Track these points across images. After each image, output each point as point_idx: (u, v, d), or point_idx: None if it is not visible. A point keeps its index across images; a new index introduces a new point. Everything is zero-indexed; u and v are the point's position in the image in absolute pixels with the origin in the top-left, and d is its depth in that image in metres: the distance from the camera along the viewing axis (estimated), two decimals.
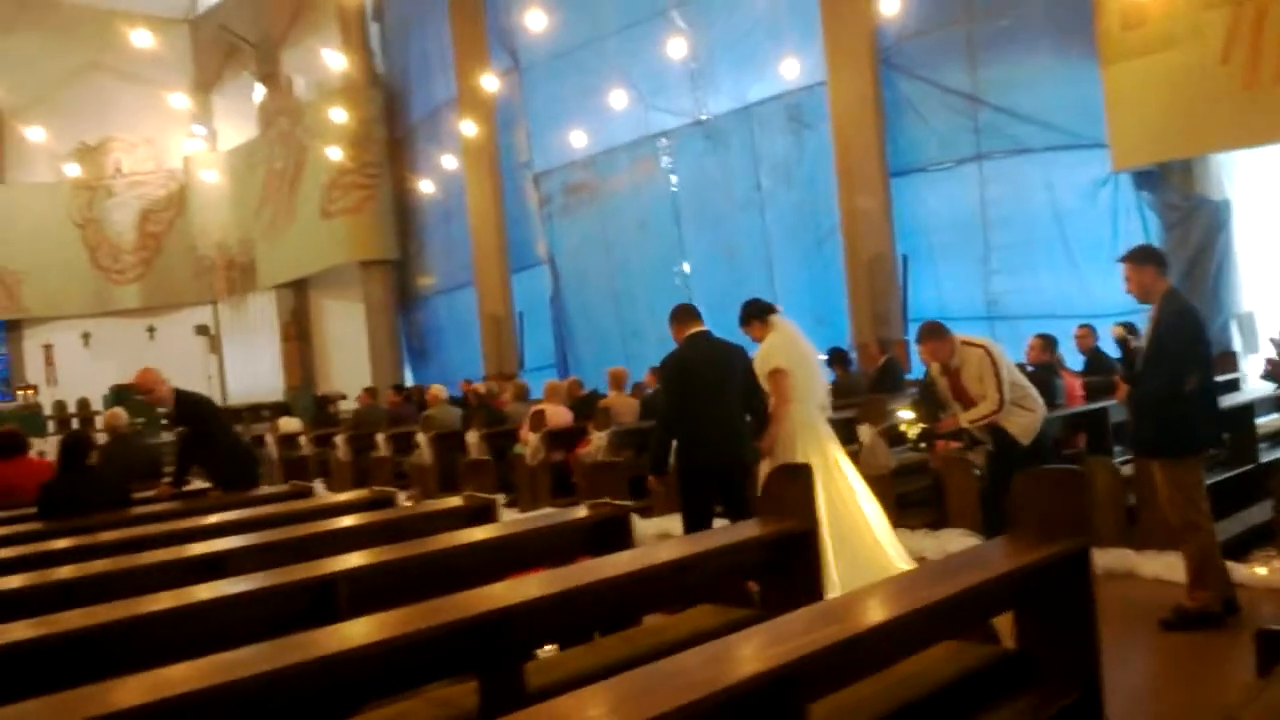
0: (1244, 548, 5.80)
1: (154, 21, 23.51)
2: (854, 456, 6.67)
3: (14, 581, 4.00)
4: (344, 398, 20.29)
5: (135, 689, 2.40)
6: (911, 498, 7.81)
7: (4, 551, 4.90)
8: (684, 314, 6.09)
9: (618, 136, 16.90)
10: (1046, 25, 11.51)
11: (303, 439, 13.23)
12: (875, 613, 2.66)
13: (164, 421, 13.93)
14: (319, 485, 10.73)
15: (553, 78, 17.51)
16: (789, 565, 3.85)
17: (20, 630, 3.16)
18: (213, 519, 5.55)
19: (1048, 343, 8.05)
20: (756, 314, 6.19)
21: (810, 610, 2.75)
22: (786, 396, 5.85)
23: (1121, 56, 10.20)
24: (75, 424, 20.02)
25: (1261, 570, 5.44)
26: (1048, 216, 11.77)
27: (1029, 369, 7.83)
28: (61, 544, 5.02)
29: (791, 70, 14.03)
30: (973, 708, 3.04)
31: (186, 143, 25.25)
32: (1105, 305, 10.91)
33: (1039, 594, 3.22)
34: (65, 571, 4.26)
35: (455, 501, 5.46)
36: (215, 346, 25.08)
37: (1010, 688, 3.17)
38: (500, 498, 5.57)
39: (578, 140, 17.21)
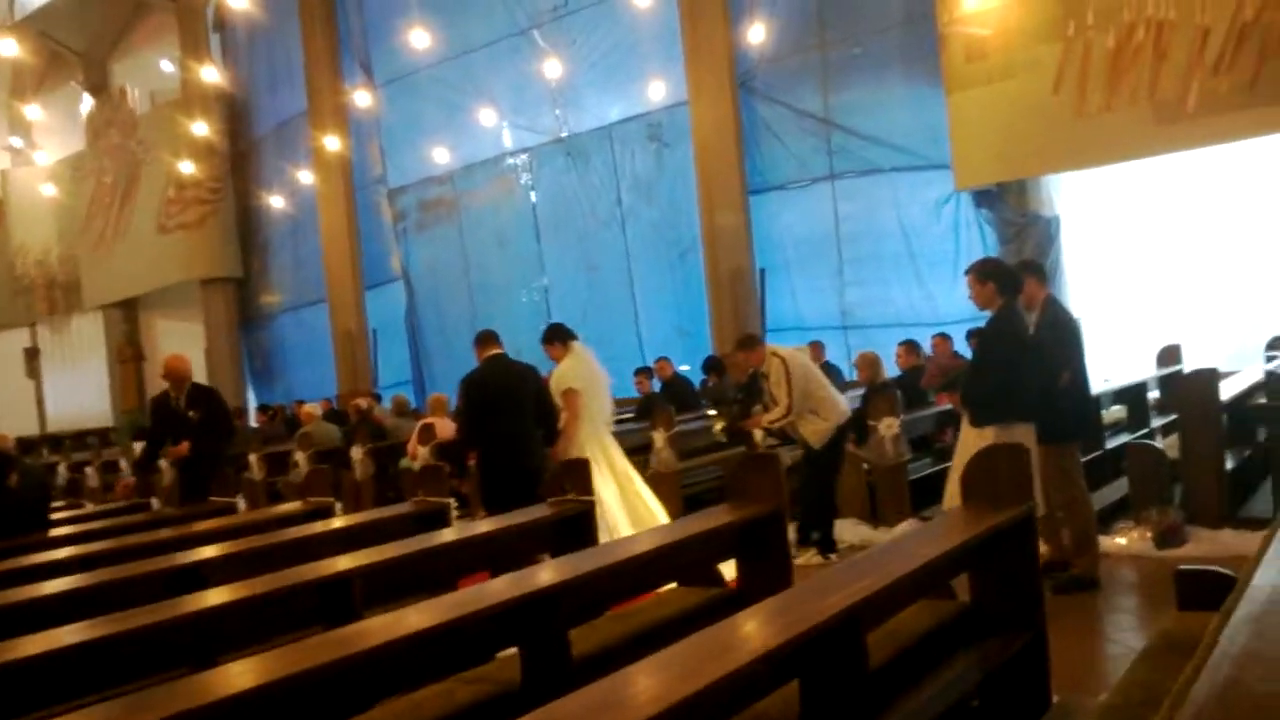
0: (1104, 521, 6.49)
1: None
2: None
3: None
4: None
5: (207, 686, 2.49)
6: (706, 497, 8.64)
7: None
8: (485, 339, 6.76)
9: (476, 153, 17.02)
10: (894, 55, 12.36)
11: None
12: (874, 580, 2.94)
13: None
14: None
15: (408, 93, 17.46)
16: (761, 546, 4.19)
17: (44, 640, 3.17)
18: (165, 533, 5.50)
19: (912, 348, 8.70)
20: (559, 337, 6.91)
21: (818, 579, 3.10)
22: (577, 413, 6.65)
23: (964, 85, 11.09)
24: None
25: (1121, 540, 6.13)
26: (896, 232, 12.60)
27: (898, 374, 8.50)
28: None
29: (652, 91, 14.52)
30: (947, 653, 3.46)
31: (1, 155, 23.81)
32: (950, 314, 11.83)
33: (991, 555, 3.65)
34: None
35: (405, 508, 5.61)
36: (34, 370, 23.67)
37: (971, 636, 3.60)
38: (452, 502, 5.76)
39: (434, 156, 17.23)
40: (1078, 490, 5.54)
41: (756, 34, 13.00)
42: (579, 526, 4.98)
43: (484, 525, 5.00)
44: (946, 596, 3.88)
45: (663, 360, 11.82)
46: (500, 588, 3.35)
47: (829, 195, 13.11)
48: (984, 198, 11.73)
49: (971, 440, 5.09)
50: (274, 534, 5.39)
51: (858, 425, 7.45)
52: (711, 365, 11.76)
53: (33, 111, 22.11)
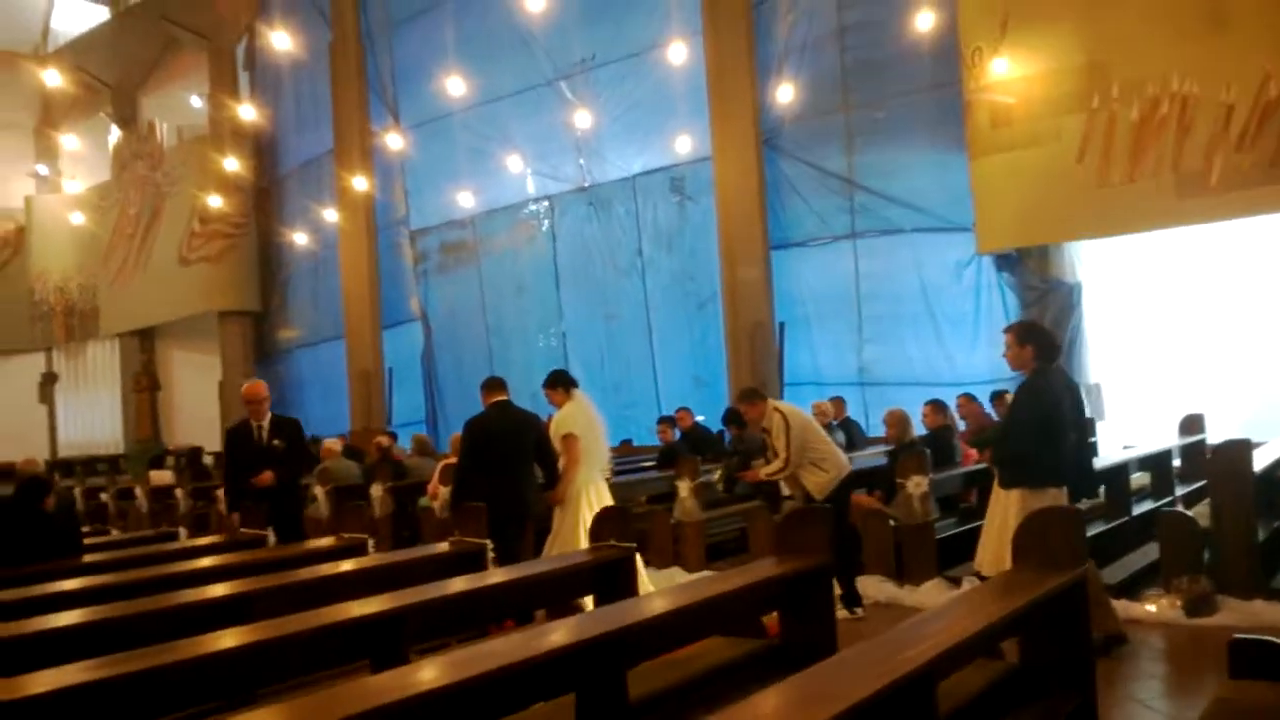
0: (1131, 588, 6.54)
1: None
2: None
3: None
4: (189, 450, 19.56)
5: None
6: (726, 546, 8.95)
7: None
8: (492, 385, 7.16)
9: (499, 198, 17.23)
10: (918, 118, 12.56)
11: (179, 492, 12.81)
12: (946, 637, 3.00)
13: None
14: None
15: (434, 137, 17.70)
16: (806, 599, 4.26)
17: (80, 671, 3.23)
18: (204, 563, 5.56)
19: (939, 407, 8.77)
20: (561, 383, 7.18)
21: (893, 635, 3.16)
22: (575, 458, 6.91)
23: (989, 151, 11.27)
24: None
25: (1151, 607, 6.17)
26: (916, 291, 12.73)
27: (924, 433, 8.58)
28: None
29: (676, 145, 14.74)
30: (1000, 713, 3.52)
31: (26, 183, 24.08)
32: (968, 374, 11.95)
33: (1045, 617, 3.70)
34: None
35: (443, 548, 5.67)
36: (47, 395, 23.76)
37: (1023, 698, 3.66)
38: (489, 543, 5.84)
39: (457, 200, 17.44)
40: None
41: (783, 94, 13.23)
42: (619, 572, 5.05)
43: (529, 568, 5.07)
44: (995, 657, 3.95)
45: (683, 410, 11.90)
46: (557, 634, 3.41)
47: (850, 253, 13.26)
48: (1005, 262, 11.87)
49: (1002, 502, 5.16)
50: (310, 569, 5.45)
51: (886, 483, 7.53)
52: (732, 417, 11.81)
53: (61, 141, 22.43)
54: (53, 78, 19.31)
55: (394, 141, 17.31)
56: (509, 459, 6.86)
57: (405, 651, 4.05)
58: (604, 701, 3.34)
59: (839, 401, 11.09)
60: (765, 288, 13.77)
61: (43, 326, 23.86)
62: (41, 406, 23.30)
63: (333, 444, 12.08)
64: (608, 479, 7.39)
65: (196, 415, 21.60)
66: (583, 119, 15.33)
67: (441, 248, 18.26)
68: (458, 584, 4.67)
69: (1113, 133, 10.41)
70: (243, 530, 7.12)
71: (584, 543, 6.77)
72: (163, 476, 13.94)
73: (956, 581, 6.80)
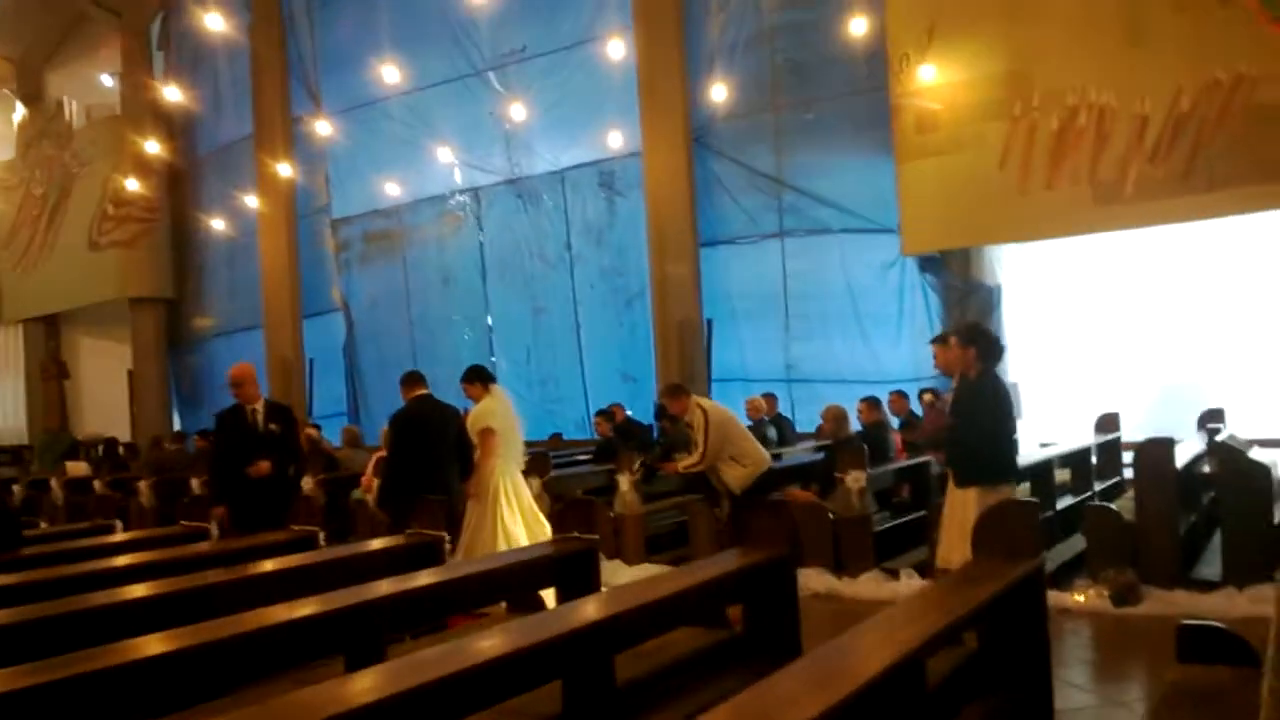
0: (1062, 579, 6.85)
1: None
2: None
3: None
4: (106, 440, 18.97)
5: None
6: (663, 540, 9.08)
7: None
8: (413, 379, 7.36)
9: (425, 189, 17.09)
10: (847, 120, 12.85)
11: (97, 483, 12.46)
12: (925, 626, 3.16)
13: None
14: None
15: (359, 124, 17.42)
16: (768, 591, 4.40)
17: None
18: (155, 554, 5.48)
19: (873, 404, 9.04)
20: (479, 378, 7.39)
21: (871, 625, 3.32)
22: (491, 451, 7.09)
23: (914, 156, 11.61)
24: None
25: (1079, 597, 6.47)
26: (842, 291, 13.03)
27: (859, 429, 8.84)
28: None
29: (606, 139, 14.80)
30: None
31: None
32: (892, 372, 12.29)
33: (1004, 607, 3.90)
34: None
35: (399, 540, 5.69)
36: None
37: (983, 685, 3.86)
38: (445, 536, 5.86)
39: (382, 189, 17.25)
40: None
41: (714, 93, 13.39)
42: (582, 564, 5.14)
43: (492, 562, 5.13)
44: (956, 644, 4.14)
45: (616, 405, 12.00)
46: (543, 623, 3.51)
47: (778, 251, 13.51)
48: (929, 263, 12.24)
49: (959, 499, 5.39)
50: (265, 562, 5.42)
51: (822, 477, 7.74)
52: (662, 411, 11.97)
53: None
54: None
55: (317, 128, 17.02)
56: (437, 451, 7.06)
57: (382, 645, 4.08)
58: (592, 687, 3.44)
59: (771, 398, 11.32)
60: (694, 284, 13.92)
61: None
62: None
63: None
64: (523, 471, 7.62)
65: (105, 405, 20.97)
66: (512, 111, 15.30)
67: (365, 236, 18.04)
68: (424, 577, 4.70)
69: (1033, 141, 10.81)
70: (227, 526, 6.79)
71: (502, 534, 7.06)
72: (78, 468, 13.54)
73: (894, 574, 7.05)
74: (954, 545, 5.37)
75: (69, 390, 21.70)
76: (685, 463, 7.52)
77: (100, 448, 17.23)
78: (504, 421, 7.25)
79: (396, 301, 17.62)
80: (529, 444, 12.27)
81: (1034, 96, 10.82)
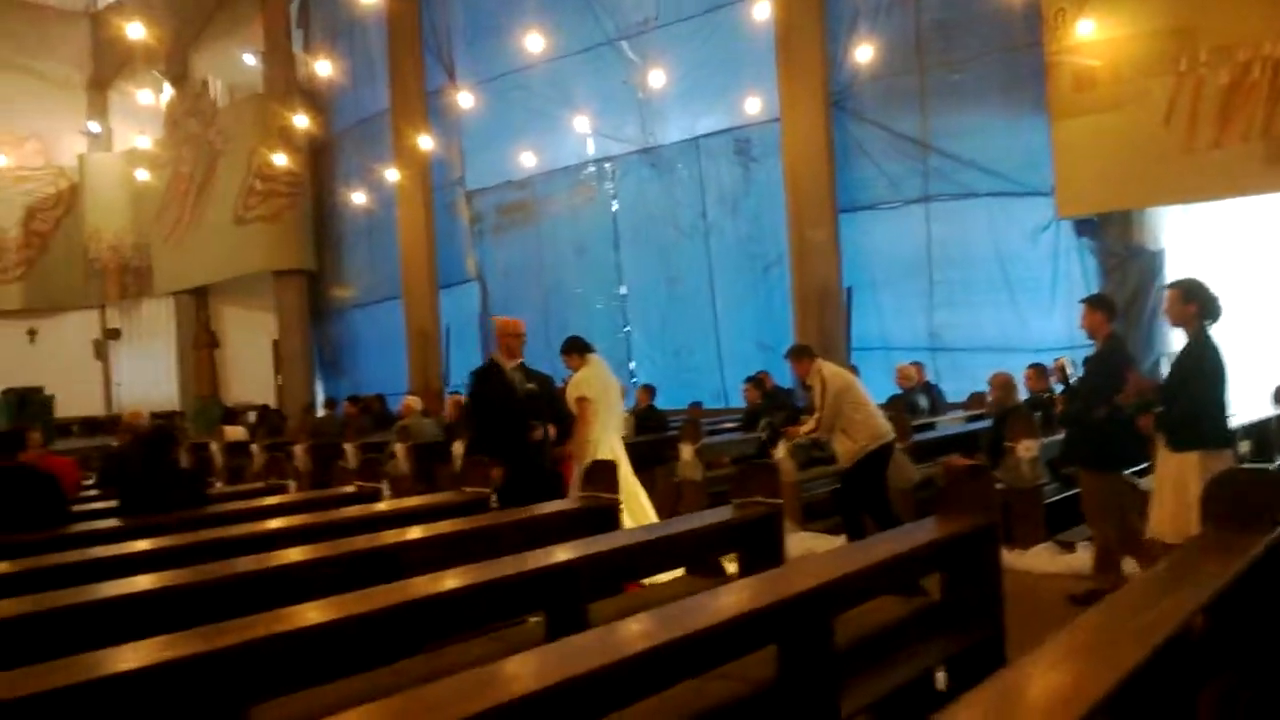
0: None
1: (51, 12, 22.66)
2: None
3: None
4: (260, 407, 19.75)
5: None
6: (818, 507, 9.01)
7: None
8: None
9: (558, 159, 17.20)
10: (995, 81, 12.42)
11: (254, 447, 13.02)
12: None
13: None
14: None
15: (492, 96, 17.58)
16: (969, 559, 4.32)
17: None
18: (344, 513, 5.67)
19: (1041, 371, 8.73)
20: (577, 349, 7.27)
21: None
22: (587, 419, 7.01)
23: (1071, 114, 11.15)
24: None
25: None
26: (990, 257, 12.65)
27: (1027, 396, 8.55)
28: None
29: (741, 106, 14.64)
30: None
31: (78, 140, 24.21)
32: (1042, 340, 11.88)
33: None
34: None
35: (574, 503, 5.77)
36: (102, 352, 24.04)
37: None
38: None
39: (516, 160, 17.42)
40: (1106, 515, 5.94)
41: (858, 55, 13.10)
42: (765, 529, 5.11)
43: (671, 526, 5.14)
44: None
45: (764, 373, 11.90)
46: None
47: (922, 217, 13.17)
48: (1085, 227, 11.78)
49: (1174, 465, 5.19)
50: (452, 521, 5.50)
51: (989, 446, 7.55)
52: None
53: (112, 98, 22.51)
54: (101, 34, 19.33)
55: (459, 99, 17.22)
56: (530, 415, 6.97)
57: (582, 606, 4.13)
58: (808, 652, 3.41)
59: (920, 366, 11.08)
60: (833, 251, 13.70)
61: (96, 284, 24.07)
62: (97, 363, 23.55)
63: (413, 402, 12.22)
64: (625, 439, 7.64)
65: (251, 373, 21.81)
66: (644, 79, 15.25)
67: (499, 209, 18.27)
68: (609, 540, 4.75)
69: (1200, 97, 10.28)
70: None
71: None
72: (235, 432, 14.14)
73: (1068, 545, 6.84)
74: (1170, 515, 5.16)
75: (218, 359, 22.64)
76: (805, 428, 7.45)
77: (252, 414, 17.93)
78: (601, 392, 7.16)
79: (530, 272, 17.81)
80: (670, 413, 12.45)
81: (1200, 51, 10.28)
